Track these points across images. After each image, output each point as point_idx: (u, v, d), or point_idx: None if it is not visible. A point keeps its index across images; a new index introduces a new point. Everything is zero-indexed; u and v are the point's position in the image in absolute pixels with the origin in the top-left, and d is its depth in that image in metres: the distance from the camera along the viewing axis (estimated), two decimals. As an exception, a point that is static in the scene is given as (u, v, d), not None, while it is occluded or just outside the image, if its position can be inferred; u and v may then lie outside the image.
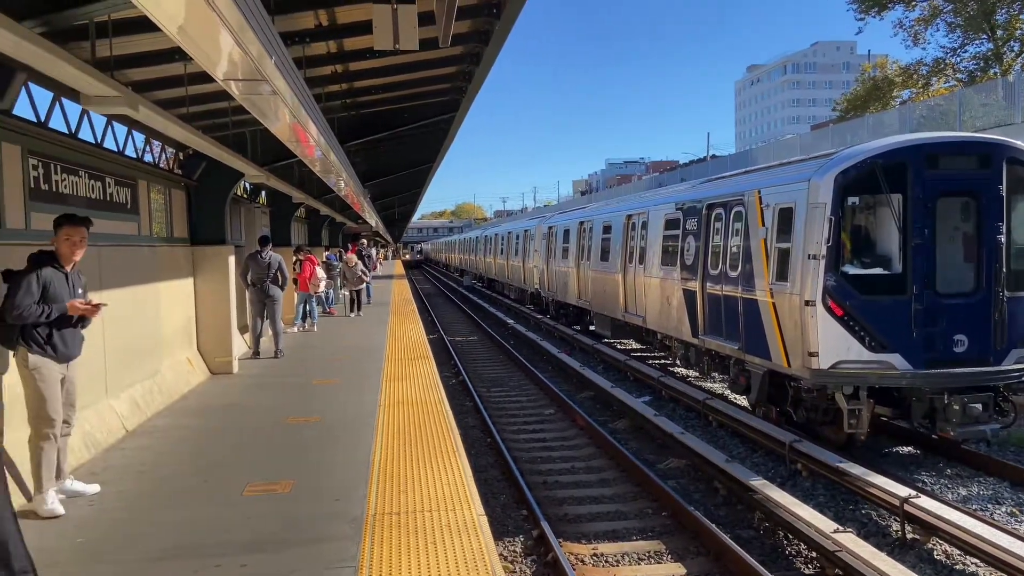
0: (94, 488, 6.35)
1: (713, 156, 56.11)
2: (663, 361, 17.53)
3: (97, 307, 5.93)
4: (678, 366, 16.49)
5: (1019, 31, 38.41)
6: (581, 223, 22.29)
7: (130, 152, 10.25)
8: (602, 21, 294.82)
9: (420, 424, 8.39)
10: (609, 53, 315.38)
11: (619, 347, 19.98)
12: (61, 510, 5.89)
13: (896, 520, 8.01)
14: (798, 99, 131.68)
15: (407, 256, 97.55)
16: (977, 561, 7.15)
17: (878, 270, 9.76)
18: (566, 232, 23.87)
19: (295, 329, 17.51)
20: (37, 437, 5.84)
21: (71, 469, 6.64)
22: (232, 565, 4.84)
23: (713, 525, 7.74)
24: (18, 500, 5.80)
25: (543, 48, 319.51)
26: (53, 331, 5.85)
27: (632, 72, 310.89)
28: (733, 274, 11.85)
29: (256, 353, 13.83)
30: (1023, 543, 6.81)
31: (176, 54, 7.45)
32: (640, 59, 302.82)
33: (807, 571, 7.23)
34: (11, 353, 5.86)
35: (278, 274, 13.64)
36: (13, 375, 5.86)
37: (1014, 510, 8.56)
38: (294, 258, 17.98)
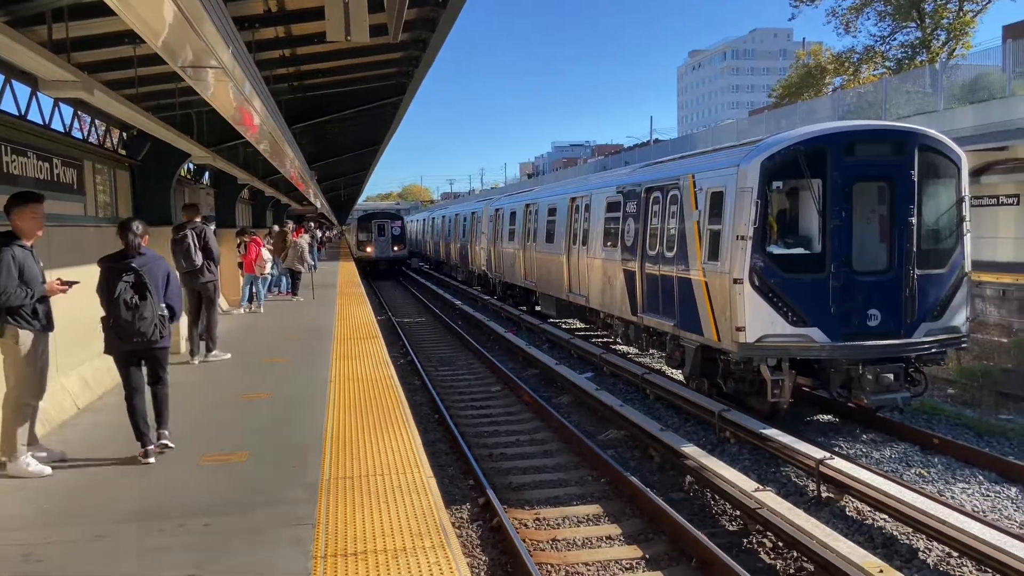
0: (59, 451, 6.56)
1: (656, 140, 57.06)
2: (605, 339, 18.13)
3: (70, 285, 6.12)
4: (619, 343, 17.12)
5: (946, 20, 39.89)
6: (527, 205, 22.68)
7: (76, 133, 10.26)
8: (548, 4, 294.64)
9: (371, 398, 8.68)
10: (555, 37, 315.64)
11: (564, 326, 20.50)
12: (48, 470, 6.14)
13: (812, 480, 8.68)
14: (738, 85, 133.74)
15: (369, 249, 44.10)
16: (886, 517, 7.82)
17: (800, 250, 10.41)
18: (513, 214, 24.24)
19: (242, 310, 17.56)
20: (17, 406, 6.04)
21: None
22: (195, 525, 5.13)
23: (647, 489, 8.28)
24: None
25: (489, 32, 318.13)
26: (37, 305, 6.07)
27: (578, 56, 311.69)
28: (669, 255, 12.41)
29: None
30: (927, 500, 7.52)
31: (126, 37, 7.55)
32: (586, 43, 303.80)
33: (731, 528, 7.82)
34: None
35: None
36: None
37: (922, 471, 9.30)
38: (238, 240, 17.94)
